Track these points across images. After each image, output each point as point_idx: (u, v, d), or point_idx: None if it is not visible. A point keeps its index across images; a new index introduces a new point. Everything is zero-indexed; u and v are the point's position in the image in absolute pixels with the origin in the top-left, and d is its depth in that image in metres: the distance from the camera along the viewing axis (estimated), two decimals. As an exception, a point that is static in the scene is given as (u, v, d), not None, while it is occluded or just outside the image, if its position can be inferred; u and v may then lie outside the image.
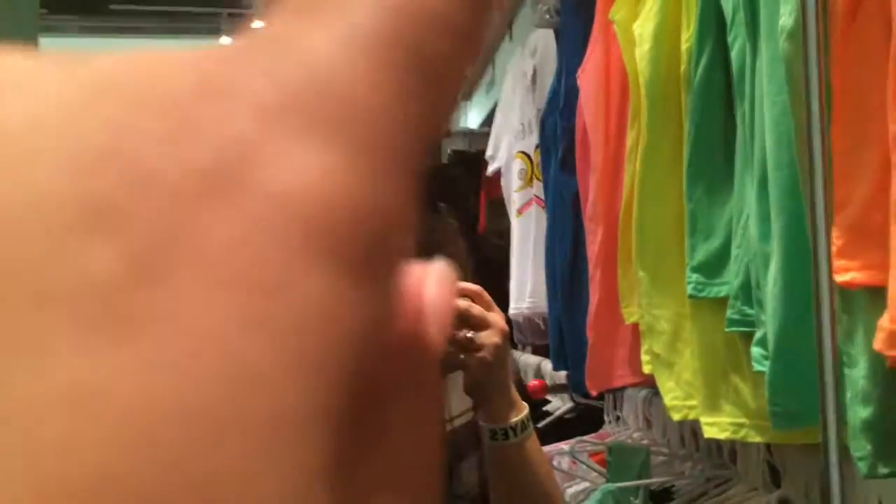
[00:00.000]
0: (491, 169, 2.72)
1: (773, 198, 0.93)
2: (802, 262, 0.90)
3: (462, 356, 1.01)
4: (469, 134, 3.92)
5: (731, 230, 1.10)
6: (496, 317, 1.03)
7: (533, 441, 1.09)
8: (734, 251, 1.08)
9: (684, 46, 1.14)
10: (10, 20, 2.05)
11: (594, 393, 1.55)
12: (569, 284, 1.70)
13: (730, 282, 1.09)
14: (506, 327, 1.05)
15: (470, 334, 1.00)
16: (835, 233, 0.77)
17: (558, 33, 1.88)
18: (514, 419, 1.06)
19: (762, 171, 0.96)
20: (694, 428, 1.47)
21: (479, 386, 1.05)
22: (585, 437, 1.71)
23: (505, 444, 1.05)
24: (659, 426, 1.63)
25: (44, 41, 2.23)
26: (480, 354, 1.00)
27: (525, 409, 1.08)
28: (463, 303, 1.01)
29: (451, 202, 1.12)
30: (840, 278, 0.74)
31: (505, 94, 2.64)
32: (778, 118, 0.91)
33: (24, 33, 2.10)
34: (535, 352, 2.62)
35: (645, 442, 1.65)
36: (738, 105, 1.06)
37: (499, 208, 2.79)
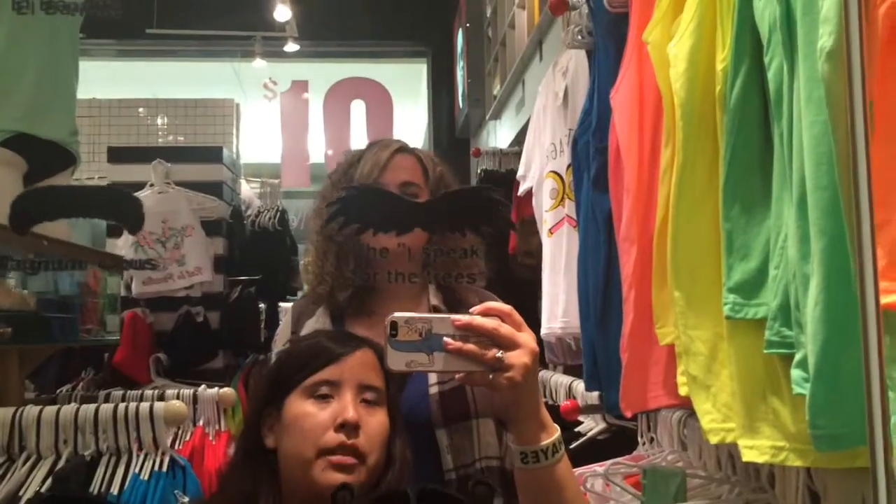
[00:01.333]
0: (523, 188, 2.72)
1: (813, 218, 0.92)
2: (843, 283, 0.89)
3: (491, 376, 1.00)
4: (499, 153, 3.93)
5: (769, 250, 1.09)
6: (526, 337, 1.02)
7: (565, 464, 1.06)
8: (772, 272, 1.06)
9: (720, 67, 1.13)
10: (52, 46, 2.10)
11: (628, 415, 1.53)
12: (602, 304, 1.69)
13: (767, 303, 1.07)
14: (536, 347, 1.03)
15: (499, 354, 0.99)
16: (877, 253, 0.76)
17: (590, 54, 1.88)
18: (545, 441, 1.04)
19: (801, 191, 0.95)
20: (731, 450, 1.45)
21: (509, 406, 1.03)
22: (620, 459, 1.69)
23: (536, 468, 1.03)
24: (694, 448, 1.61)
25: (82, 65, 2.27)
26: (509, 374, 0.99)
27: (556, 431, 1.06)
28: (492, 322, 1.01)
29: (493, 225, 1.13)
30: (883, 300, 0.73)
31: (536, 113, 2.64)
32: (817, 139, 0.90)
33: (64, 58, 2.15)
34: (566, 372, 2.61)
35: (680, 464, 1.63)
36: (775, 125, 1.05)
37: (527, 227, 2.79)
